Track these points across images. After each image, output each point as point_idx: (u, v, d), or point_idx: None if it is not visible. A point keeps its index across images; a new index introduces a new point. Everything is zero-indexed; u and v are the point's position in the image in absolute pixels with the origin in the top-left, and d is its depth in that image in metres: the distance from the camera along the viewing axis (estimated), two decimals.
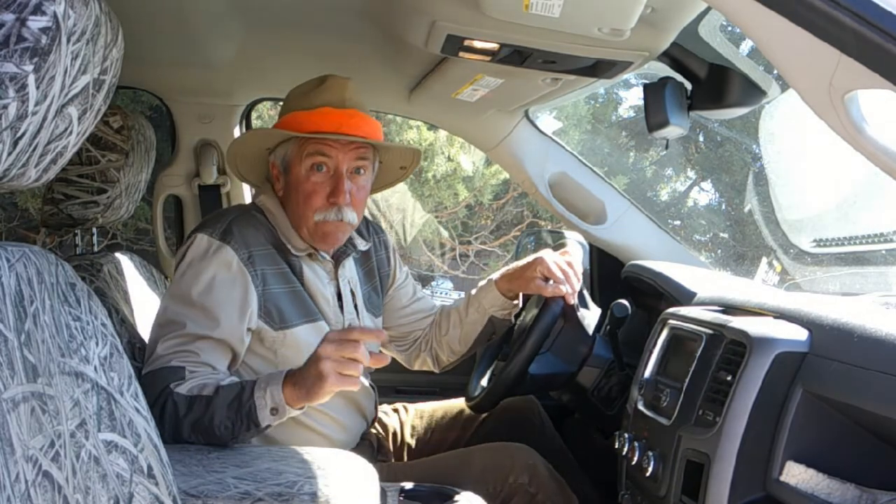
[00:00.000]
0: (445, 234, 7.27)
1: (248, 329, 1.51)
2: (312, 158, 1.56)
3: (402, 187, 6.78)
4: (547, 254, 1.73)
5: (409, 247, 7.14)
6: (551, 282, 1.68)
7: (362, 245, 1.75)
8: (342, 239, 1.63)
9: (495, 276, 1.84)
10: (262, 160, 1.67)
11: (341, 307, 1.65)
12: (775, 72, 0.99)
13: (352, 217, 1.58)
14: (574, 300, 1.72)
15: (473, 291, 1.88)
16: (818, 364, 1.15)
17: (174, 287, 1.52)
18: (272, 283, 1.53)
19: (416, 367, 1.95)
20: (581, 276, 1.73)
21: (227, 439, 1.36)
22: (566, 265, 1.70)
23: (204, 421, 1.35)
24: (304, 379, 1.31)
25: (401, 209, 6.80)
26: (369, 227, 1.84)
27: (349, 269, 1.71)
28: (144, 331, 1.68)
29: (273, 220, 1.62)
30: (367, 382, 1.72)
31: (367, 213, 1.78)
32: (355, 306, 1.69)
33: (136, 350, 1.61)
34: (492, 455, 1.65)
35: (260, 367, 1.55)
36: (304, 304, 1.58)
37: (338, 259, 1.67)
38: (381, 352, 1.49)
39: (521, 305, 1.84)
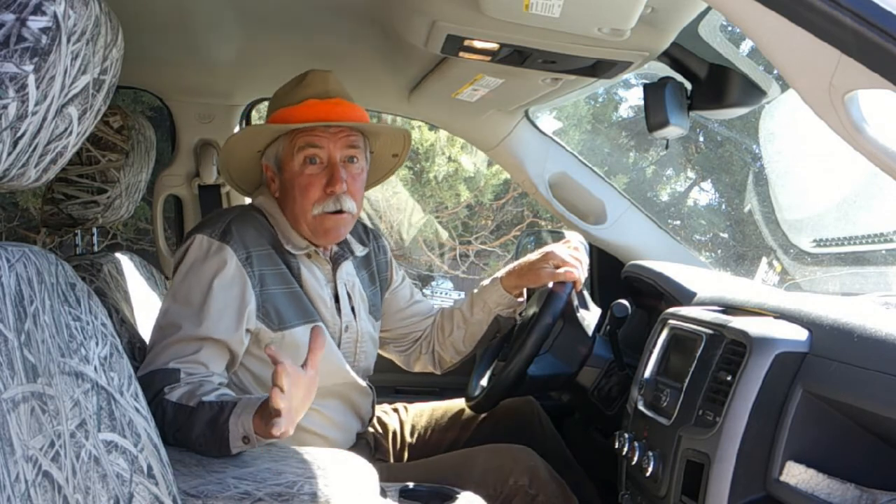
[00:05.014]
0: (445, 235, 7.27)
1: (247, 330, 1.51)
2: (304, 152, 1.57)
3: (402, 188, 6.78)
4: (556, 246, 1.77)
5: (409, 247, 7.14)
6: (562, 269, 1.70)
7: (360, 250, 1.75)
8: (343, 233, 1.63)
9: (500, 274, 1.85)
10: (254, 164, 1.68)
11: (338, 310, 1.66)
12: (775, 72, 0.99)
13: (351, 206, 1.59)
14: (582, 286, 1.74)
15: (476, 291, 1.88)
16: (818, 364, 1.15)
17: (175, 289, 1.52)
18: (270, 284, 1.53)
19: (416, 369, 1.95)
20: (587, 267, 1.75)
21: (202, 454, 1.32)
22: (575, 252, 1.75)
23: (185, 431, 1.33)
24: (265, 412, 1.25)
25: (400, 209, 6.80)
26: (368, 233, 1.85)
27: (347, 271, 1.71)
28: (144, 331, 1.68)
29: (272, 220, 1.62)
30: (363, 383, 1.72)
31: (364, 217, 1.79)
32: (352, 308, 1.69)
33: (136, 350, 1.61)
34: (492, 456, 1.64)
35: (258, 369, 1.55)
36: (302, 304, 1.58)
37: (336, 261, 1.68)
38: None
39: (525, 303, 1.84)
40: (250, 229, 1.55)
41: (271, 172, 1.64)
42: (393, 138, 1.73)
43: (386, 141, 1.73)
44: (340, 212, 1.58)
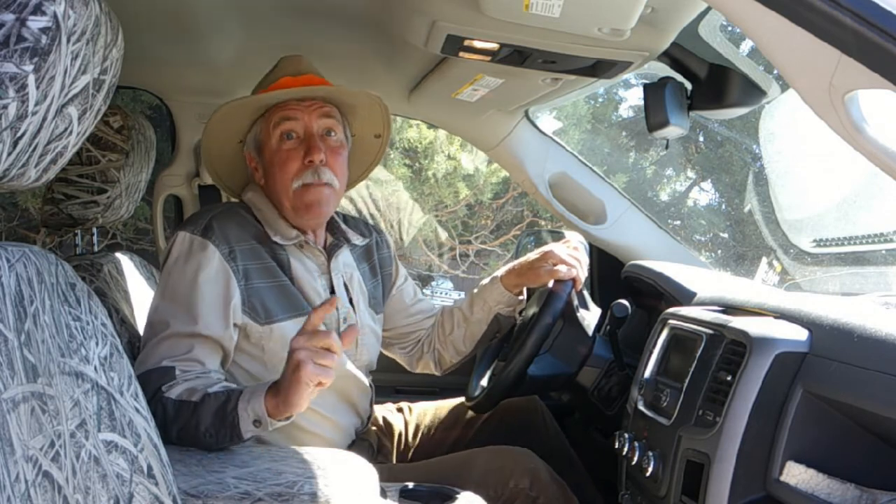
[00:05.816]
0: (444, 235, 7.27)
1: (235, 325, 1.51)
2: (281, 127, 1.58)
3: (401, 187, 6.78)
4: (555, 246, 1.77)
5: (409, 247, 7.14)
6: (562, 268, 1.70)
7: (358, 240, 1.75)
8: (326, 210, 1.61)
9: (499, 272, 1.85)
10: (238, 158, 1.69)
11: None
12: (775, 72, 0.99)
13: (330, 178, 1.58)
14: (582, 286, 1.74)
15: (476, 290, 1.88)
16: (818, 364, 1.15)
17: (161, 286, 1.53)
18: (255, 278, 1.54)
19: (418, 370, 1.95)
20: (587, 267, 1.75)
21: (211, 447, 1.34)
22: (574, 252, 1.74)
23: (190, 427, 1.34)
24: (282, 381, 1.28)
25: (400, 209, 6.80)
26: (370, 227, 1.85)
27: (344, 262, 1.71)
28: None
29: (259, 214, 1.62)
30: (364, 379, 1.71)
31: (366, 214, 1.78)
32: (350, 300, 1.69)
33: (136, 350, 1.61)
34: (493, 458, 1.64)
35: (249, 365, 1.55)
36: (291, 298, 1.57)
37: (330, 252, 1.67)
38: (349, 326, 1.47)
39: (525, 302, 1.84)
40: (232, 225, 1.56)
41: (254, 162, 1.65)
42: (371, 113, 1.71)
43: (365, 118, 1.72)
44: (321, 182, 1.57)
